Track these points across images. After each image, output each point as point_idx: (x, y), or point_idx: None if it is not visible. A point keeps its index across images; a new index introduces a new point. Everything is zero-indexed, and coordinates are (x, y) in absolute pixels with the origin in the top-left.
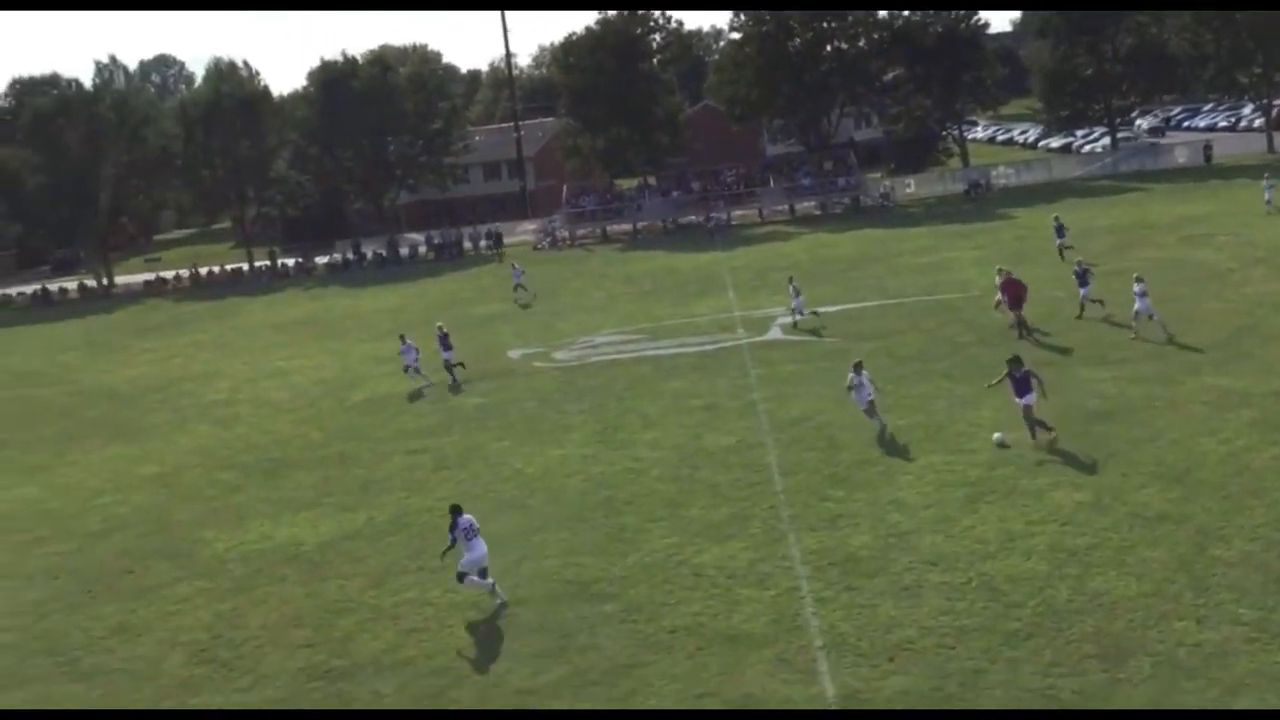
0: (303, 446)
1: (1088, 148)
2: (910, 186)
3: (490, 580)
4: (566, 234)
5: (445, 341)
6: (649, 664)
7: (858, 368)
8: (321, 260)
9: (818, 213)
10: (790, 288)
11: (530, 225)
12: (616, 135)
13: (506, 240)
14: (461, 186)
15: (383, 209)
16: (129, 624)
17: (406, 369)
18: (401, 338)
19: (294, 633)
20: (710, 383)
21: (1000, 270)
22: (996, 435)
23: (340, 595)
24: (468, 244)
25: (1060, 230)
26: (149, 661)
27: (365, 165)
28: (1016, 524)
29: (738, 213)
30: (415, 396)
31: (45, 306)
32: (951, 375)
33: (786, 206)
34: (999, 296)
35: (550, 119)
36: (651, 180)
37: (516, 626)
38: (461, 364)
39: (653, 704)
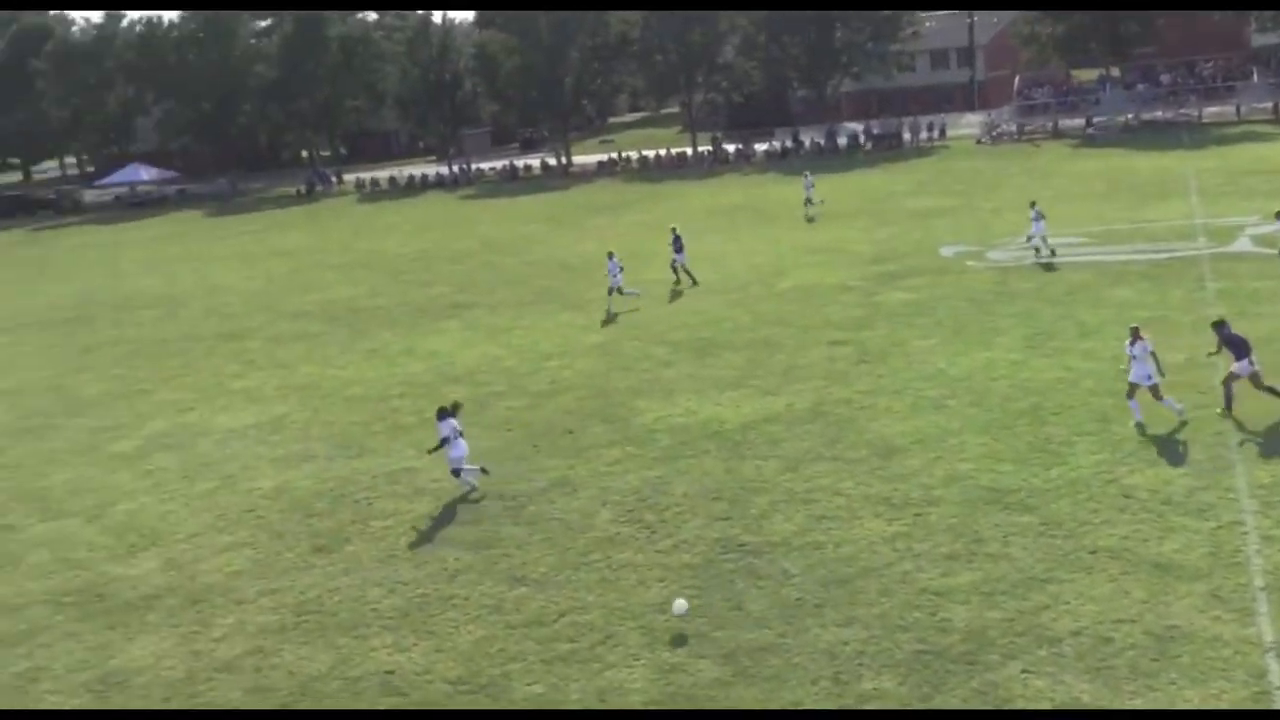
0: (730, 329)
1: None
2: None
3: (473, 468)
4: (1013, 127)
5: (678, 244)
6: (1065, 581)
7: (1134, 335)
8: (761, 147)
9: None
10: (1032, 211)
11: (975, 118)
12: (1079, 22)
13: (950, 133)
14: (906, 75)
15: (824, 97)
16: (568, 478)
17: (611, 290)
18: (610, 255)
19: (712, 505)
20: (1161, 294)
21: None
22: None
23: (756, 475)
24: (907, 135)
25: None
26: (582, 514)
27: (810, 52)
28: None
29: (1211, 110)
30: (610, 320)
31: (512, 181)
32: None
33: (1270, 104)
34: None
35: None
36: (1115, 72)
37: (927, 526)
38: (690, 274)
39: (1065, 623)
